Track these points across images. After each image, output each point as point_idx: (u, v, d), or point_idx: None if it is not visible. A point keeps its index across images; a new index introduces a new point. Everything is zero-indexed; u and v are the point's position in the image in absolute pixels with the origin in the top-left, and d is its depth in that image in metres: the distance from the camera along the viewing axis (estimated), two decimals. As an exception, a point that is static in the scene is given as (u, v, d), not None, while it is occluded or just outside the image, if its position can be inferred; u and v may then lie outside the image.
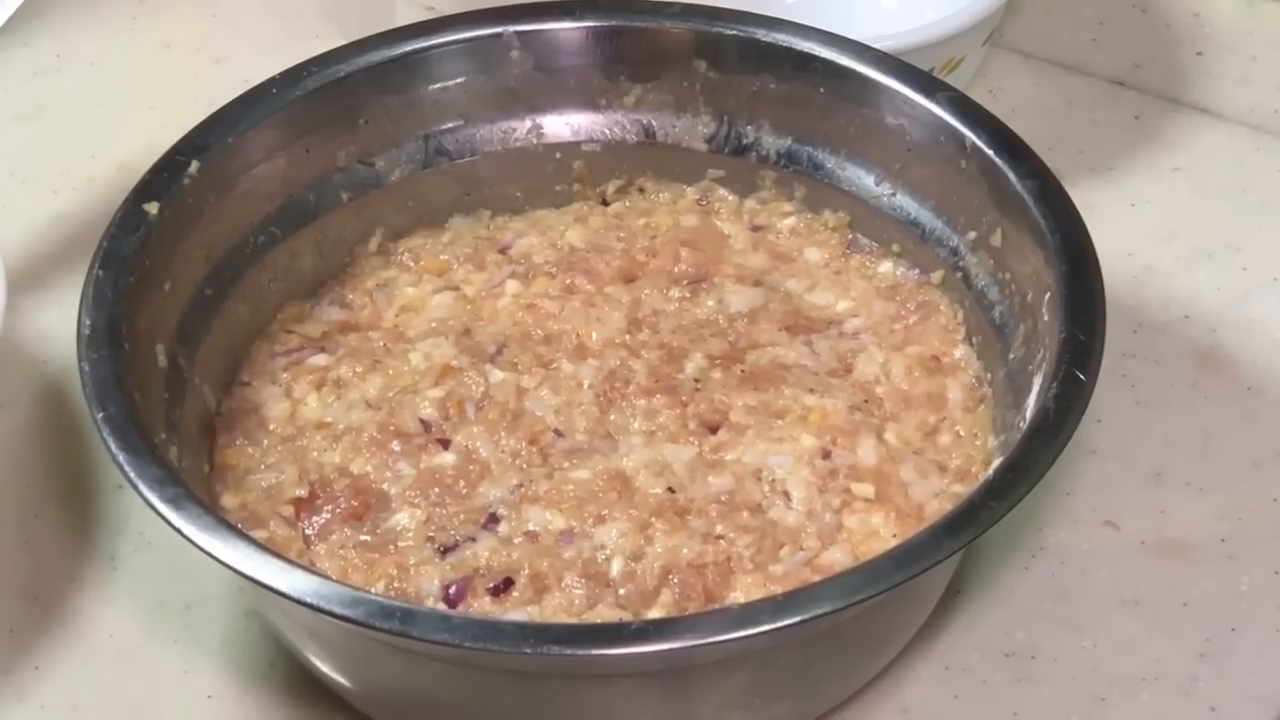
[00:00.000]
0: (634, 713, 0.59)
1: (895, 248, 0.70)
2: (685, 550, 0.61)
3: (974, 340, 0.68)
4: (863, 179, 0.71)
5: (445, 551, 0.61)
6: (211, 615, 0.66)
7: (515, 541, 0.61)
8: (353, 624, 0.54)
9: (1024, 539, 0.68)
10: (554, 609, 0.60)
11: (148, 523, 0.66)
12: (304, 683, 0.64)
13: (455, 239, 0.73)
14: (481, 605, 0.60)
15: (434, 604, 0.60)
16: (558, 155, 0.73)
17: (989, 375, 0.66)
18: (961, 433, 0.66)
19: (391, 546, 0.62)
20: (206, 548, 0.56)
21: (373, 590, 0.60)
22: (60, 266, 0.78)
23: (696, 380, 0.66)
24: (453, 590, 0.60)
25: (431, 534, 0.62)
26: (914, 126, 0.68)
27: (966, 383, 0.67)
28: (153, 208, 0.65)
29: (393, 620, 0.54)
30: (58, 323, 0.74)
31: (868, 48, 0.70)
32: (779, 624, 0.53)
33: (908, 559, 0.55)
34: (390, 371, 0.67)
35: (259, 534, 0.61)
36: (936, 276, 0.69)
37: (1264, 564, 0.67)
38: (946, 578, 0.64)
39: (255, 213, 0.69)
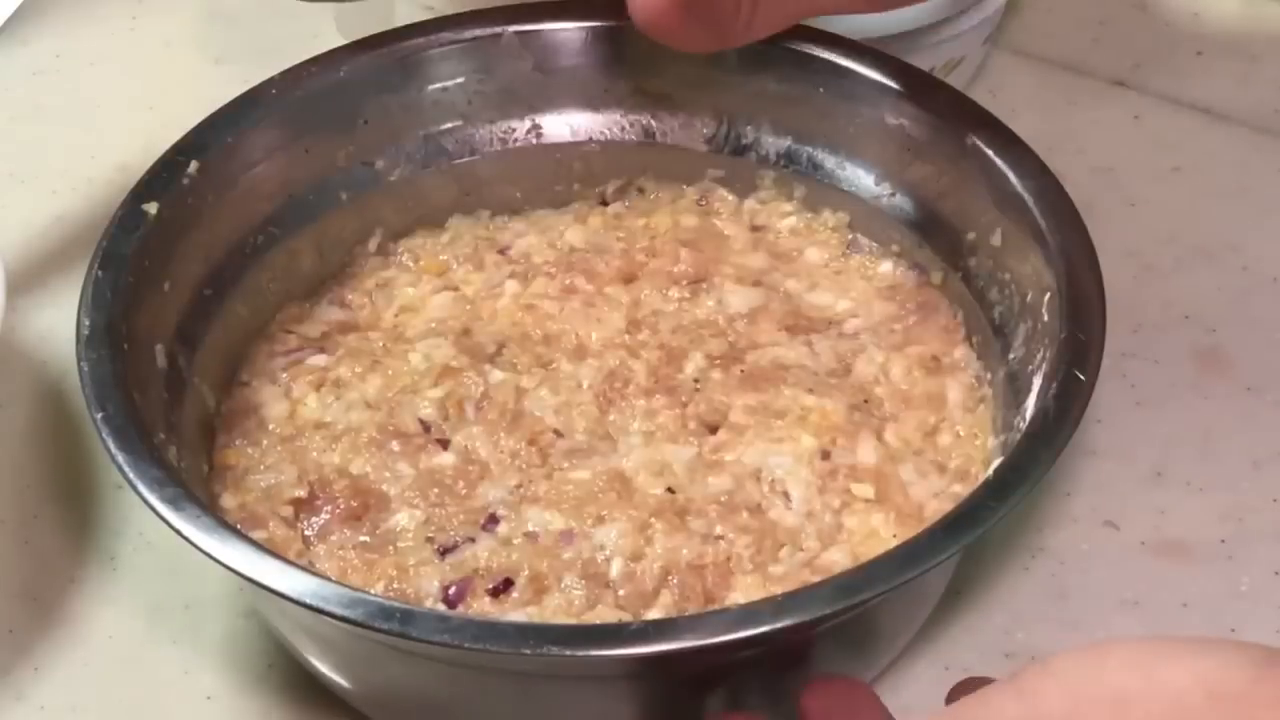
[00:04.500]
0: (633, 713, 0.59)
1: (895, 248, 0.70)
2: (685, 551, 0.61)
3: (974, 340, 0.68)
4: (863, 179, 0.71)
5: (444, 552, 0.61)
6: (211, 615, 0.66)
7: (515, 542, 0.61)
8: (352, 625, 0.54)
9: (1024, 539, 0.68)
10: (553, 610, 0.60)
11: (147, 523, 0.66)
12: (303, 683, 0.64)
13: (455, 239, 0.73)
14: (481, 606, 0.60)
15: (433, 605, 0.60)
16: (557, 155, 0.73)
17: (989, 375, 0.66)
18: (961, 433, 0.66)
19: (391, 547, 0.62)
20: (205, 548, 0.56)
21: (372, 591, 0.60)
22: (60, 266, 0.78)
23: (696, 380, 0.66)
24: (452, 591, 0.60)
25: (431, 534, 0.62)
26: (914, 126, 0.68)
27: (966, 383, 0.67)
28: (152, 208, 0.65)
29: (392, 621, 0.54)
30: (57, 323, 0.74)
31: (868, 48, 0.70)
32: (779, 624, 0.53)
33: (908, 559, 0.55)
34: (390, 372, 0.67)
35: (258, 534, 0.61)
36: (936, 276, 0.69)
37: (1264, 564, 0.67)
38: (946, 578, 0.64)
39: (255, 213, 0.68)
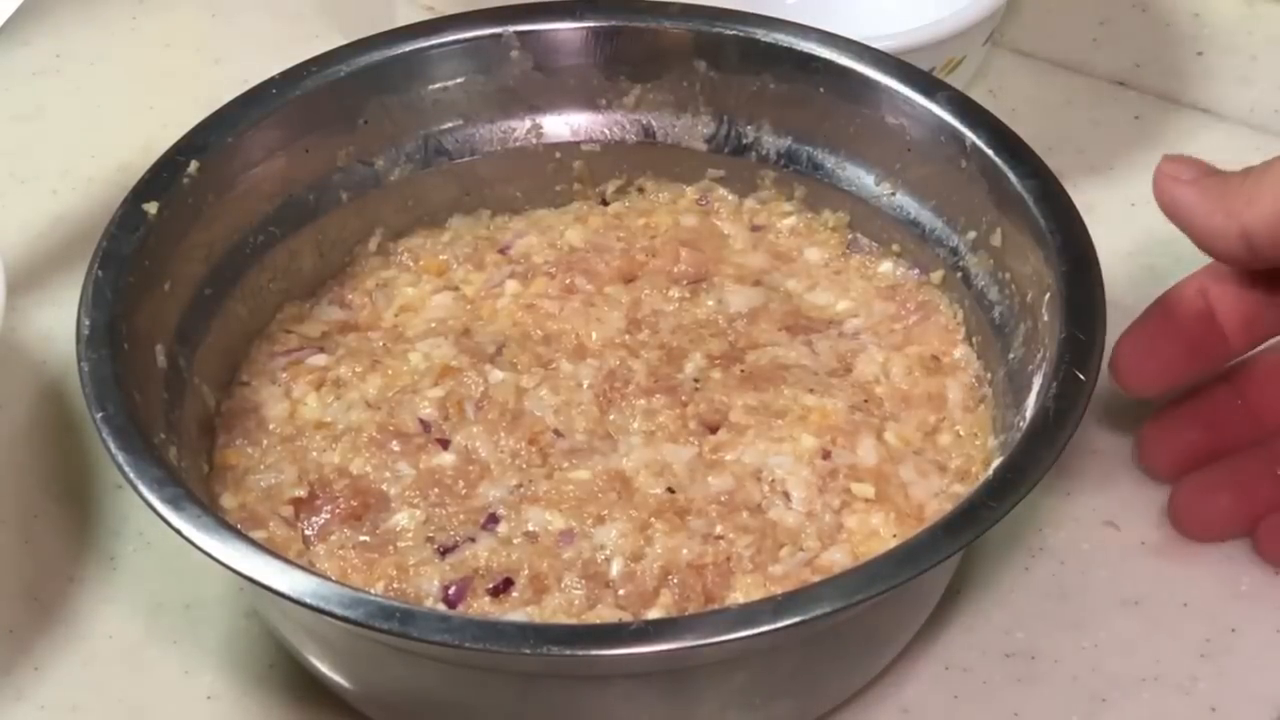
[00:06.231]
0: (633, 713, 0.59)
1: (895, 248, 0.70)
2: (685, 551, 0.61)
3: (974, 340, 0.68)
4: (863, 179, 0.71)
5: (445, 552, 0.61)
6: (211, 615, 0.66)
7: (515, 542, 0.61)
8: (352, 624, 0.54)
9: (1024, 539, 0.68)
10: (553, 609, 0.60)
11: (147, 523, 0.66)
12: (304, 683, 0.64)
13: (455, 239, 0.73)
14: (481, 606, 0.60)
15: (433, 604, 0.60)
16: (558, 155, 0.73)
17: (989, 375, 0.66)
18: (961, 433, 0.66)
19: (391, 547, 0.62)
20: (206, 548, 0.56)
21: (372, 591, 0.60)
22: (60, 266, 0.78)
23: (696, 380, 0.66)
24: (452, 591, 0.60)
25: (431, 534, 0.62)
26: (914, 126, 0.68)
27: (966, 383, 0.67)
28: (152, 208, 0.65)
29: (392, 621, 0.54)
30: (57, 323, 0.74)
31: (868, 48, 0.70)
32: (779, 624, 0.53)
33: (908, 559, 0.55)
34: (390, 371, 0.67)
35: (258, 534, 0.61)
36: (936, 276, 0.69)
37: (1264, 564, 0.67)
38: (946, 578, 0.64)
39: (255, 213, 0.69)
